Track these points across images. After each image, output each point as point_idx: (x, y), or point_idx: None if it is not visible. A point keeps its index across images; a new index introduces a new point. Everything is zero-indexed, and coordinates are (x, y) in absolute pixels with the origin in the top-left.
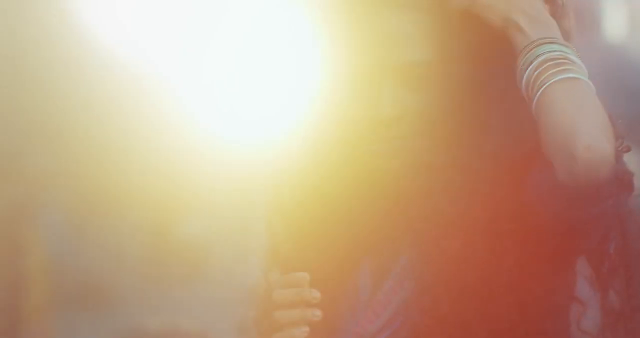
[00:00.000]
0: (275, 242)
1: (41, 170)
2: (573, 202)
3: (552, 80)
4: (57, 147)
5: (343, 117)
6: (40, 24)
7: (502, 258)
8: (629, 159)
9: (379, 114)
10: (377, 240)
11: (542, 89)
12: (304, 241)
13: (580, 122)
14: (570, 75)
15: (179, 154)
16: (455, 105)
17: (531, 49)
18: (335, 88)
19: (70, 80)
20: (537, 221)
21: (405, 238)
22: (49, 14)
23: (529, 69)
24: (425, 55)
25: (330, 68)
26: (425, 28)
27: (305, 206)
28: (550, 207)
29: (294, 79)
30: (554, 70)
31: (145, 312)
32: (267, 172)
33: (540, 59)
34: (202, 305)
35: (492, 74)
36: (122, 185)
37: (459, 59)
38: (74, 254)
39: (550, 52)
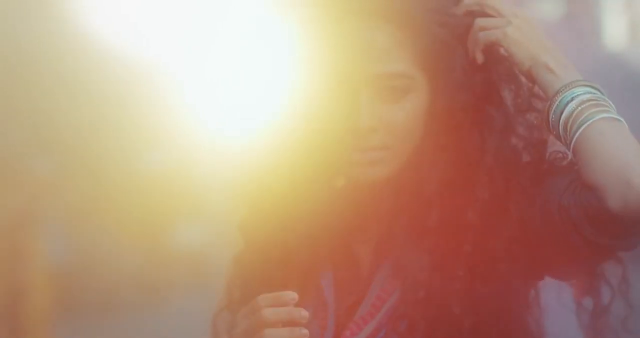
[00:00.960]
0: (239, 249)
1: (41, 179)
2: (605, 229)
3: (598, 117)
4: (55, 157)
5: (321, 127)
6: (40, 36)
7: (484, 270)
8: None
9: (356, 124)
10: (342, 250)
11: (587, 123)
12: (266, 249)
13: (635, 155)
14: (612, 115)
15: (175, 162)
16: (431, 118)
17: (569, 89)
18: (314, 98)
19: (67, 91)
20: (533, 240)
21: (379, 249)
22: (50, 26)
23: (569, 106)
24: (403, 68)
25: (309, 78)
26: (403, 41)
27: (273, 214)
28: (582, 231)
29: (274, 88)
30: (596, 109)
31: (145, 319)
32: (244, 179)
33: (579, 98)
34: (201, 312)
35: (468, 87)
36: (120, 193)
37: (435, 72)
38: (74, 261)
39: (588, 93)
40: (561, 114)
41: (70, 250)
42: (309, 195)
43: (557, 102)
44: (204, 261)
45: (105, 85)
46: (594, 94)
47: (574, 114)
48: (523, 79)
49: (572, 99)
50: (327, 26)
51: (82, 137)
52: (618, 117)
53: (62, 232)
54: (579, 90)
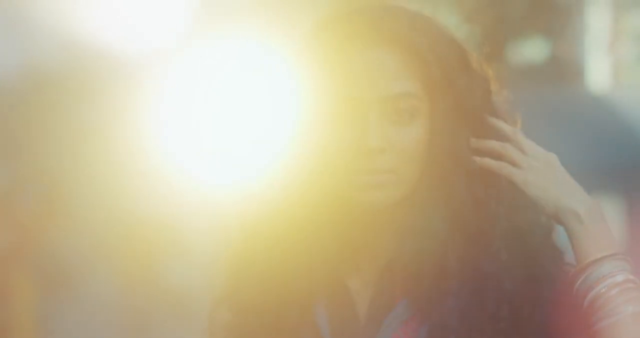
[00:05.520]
0: (228, 277)
1: (30, 212)
2: None
3: (629, 312)
4: (45, 189)
5: (328, 149)
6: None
7: (485, 300)
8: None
9: (364, 146)
10: (334, 283)
11: (616, 317)
12: (263, 279)
13: None
14: None
15: (166, 203)
16: (439, 139)
17: (604, 262)
18: (321, 120)
19: (56, 129)
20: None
21: (383, 289)
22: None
23: (601, 285)
24: (411, 88)
25: (317, 100)
26: (410, 63)
27: (271, 242)
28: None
29: (280, 110)
30: (628, 297)
31: None
32: (243, 206)
33: (612, 280)
34: None
35: (475, 109)
36: (109, 233)
37: (442, 93)
38: (61, 295)
39: (622, 270)
40: (590, 288)
41: (57, 283)
42: (311, 220)
43: (586, 274)
44: (187, 301)
45: (97, 124)
46: (627, 272)
47: (604, 298)
48: None
49: (607, 274)
50: (336, 48)
51: (71, 175)
52: None
53: (49, 266)
54: (614, 265)
